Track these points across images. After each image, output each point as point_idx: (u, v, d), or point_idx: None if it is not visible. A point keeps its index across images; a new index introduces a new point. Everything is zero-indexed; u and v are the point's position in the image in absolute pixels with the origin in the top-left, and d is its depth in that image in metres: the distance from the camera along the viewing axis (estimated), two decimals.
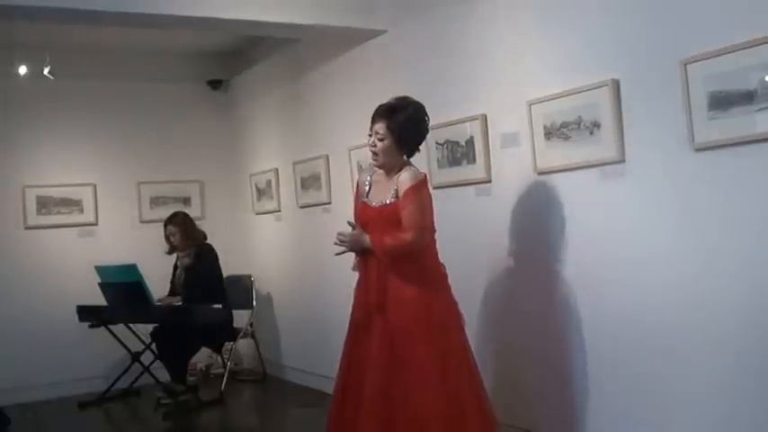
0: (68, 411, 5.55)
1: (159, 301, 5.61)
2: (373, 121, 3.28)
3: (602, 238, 3.39)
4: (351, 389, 3.26)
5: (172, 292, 5.81)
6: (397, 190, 3.22)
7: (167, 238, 5.70)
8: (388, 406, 3.11)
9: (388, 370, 3.13)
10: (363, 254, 3.29)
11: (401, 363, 3.14)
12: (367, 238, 3.23)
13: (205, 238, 5.78)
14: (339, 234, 3.29)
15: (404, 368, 3.13)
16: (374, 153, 3.28)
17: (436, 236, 3.34)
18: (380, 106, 3.29)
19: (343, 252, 3.32)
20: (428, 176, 3.48)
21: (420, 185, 3.22)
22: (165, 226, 5.71)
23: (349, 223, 3.35)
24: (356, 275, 3.39)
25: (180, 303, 5.62)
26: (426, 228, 3.20)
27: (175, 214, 5.80)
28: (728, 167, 2.87)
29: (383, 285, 3.22)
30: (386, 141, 3.23)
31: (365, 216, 3.33)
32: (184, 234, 5.67)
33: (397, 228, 3.18)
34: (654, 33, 3.12)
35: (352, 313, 3.38)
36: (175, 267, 5.86)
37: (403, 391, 3.11)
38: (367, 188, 3.39)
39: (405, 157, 3.32)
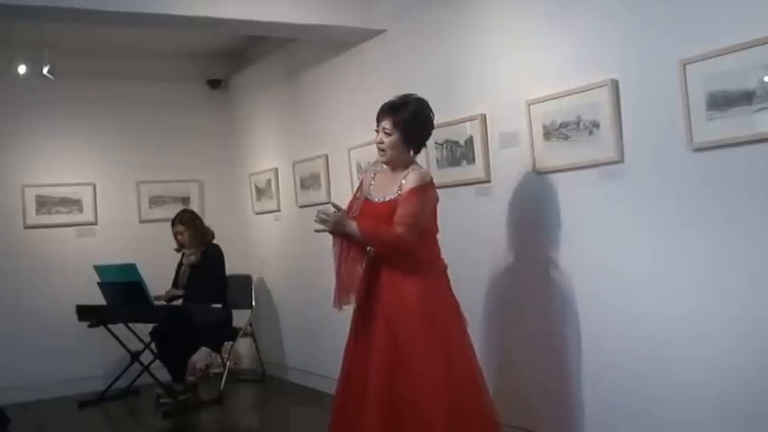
0: (68, 411, 5.55)
1: (158, 298, 5.60)
2: (379, 118, 3.28)
3: (601, 237, 3.39)
4: (353, 390, 3.25)
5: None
6: (401, 188, 3.21)
7: (175, 236, 5.70)
8: (391, 408, 3.10)
9: (391, 371, 3.12)
10: (349, 241, 3.23)
11: (405, 364, 3.13)
12: (351, 223, 3.20)
13: (213, 237, 5.78)
14: (320, 212, 3.22)
15: (408, 369, 3.12)
16: (381, 150, 3.28)
17: (438, 235, 3.33)
18: (385, 104, 3.30)
19: (323, 231, 3.26)
20: None
21: (425, 187, 3.21)
22: (173, 224, 5.71)
23: (333, 205, 3.31)
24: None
25: (181, 296, 5.62)
26: (418, 227, 3.16)
27: (183, 212, 5.82)
28: (727, 168, 2.87)
29: (367, 279, 3.22)
30: (393, 137, 3.23)
31: (366, 211, 3.30)
32: (194, 233, 5.68)
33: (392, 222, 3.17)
34: (653, 33, 3.12)
35: (354, 313, 3.36)
36: (179, 264, 5.85)
37: (407, 392, 3.10)
38: (370, 186, 3.37)
39: (412, 153, 3.32)
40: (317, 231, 3.28)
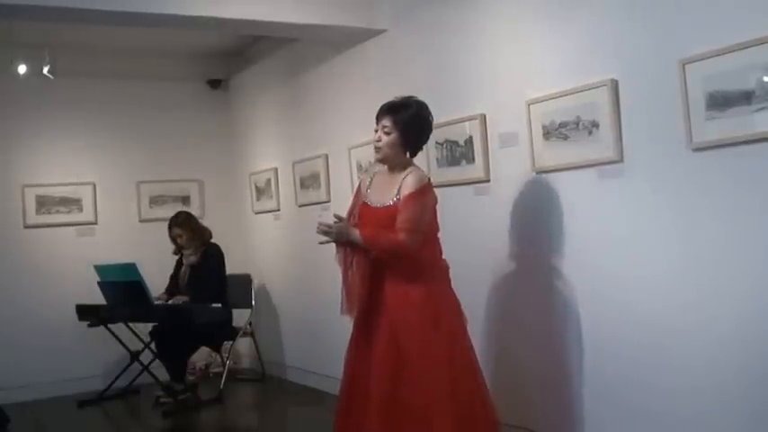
0: (68, 410, 5.55)
1: (158, 299, 5.61)
2: (379, 117, 3.28)
3: (601, 237, 3.40)
4: (356, 392, 3.25)
5: (170, 290, 5.79)
6: (399, 191, 3.20)
7: (174, 239, 5.69)
8: (394, 410, 3.09)
9: (394, 373, 3.12)
10: (353, 248, 3.23)
11: (407, 366, 3.12)
12: (354, 232, 3.19)
13: (211, 237, 5.78)
14: (322, 224, 3.23)
15: (410, 371, 3.12)
16: (378, 147, 3.27)
17: (439, 234, 3.34)
18: (386, 103, 3.30)
19: (328, 242, 3.26)
20: None
21: (424, 190, 3.20)
22: (170, 228, 5.69)
23: (336, 215, 3.31)
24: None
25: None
26: (420, 232, 3.16)
27: (178, 215, 5.78)
28: (726, 168, 2.88)
29: (370, 283, 3.21)
30: (392, 135, 3.23)
31: (365, 216, 3.31)
32: (191, 234, 5.66)
33: (393, 228, 3.17)
34: (652, 33, 3.13)
35: (356, 316, 3.36)
36: (179, 265, 5.84)
37: (409, 393, 3.10)
38: (368, 189, 3.38)
39: (408, 155, 3.32)
40: (322, 243, 3.29)
